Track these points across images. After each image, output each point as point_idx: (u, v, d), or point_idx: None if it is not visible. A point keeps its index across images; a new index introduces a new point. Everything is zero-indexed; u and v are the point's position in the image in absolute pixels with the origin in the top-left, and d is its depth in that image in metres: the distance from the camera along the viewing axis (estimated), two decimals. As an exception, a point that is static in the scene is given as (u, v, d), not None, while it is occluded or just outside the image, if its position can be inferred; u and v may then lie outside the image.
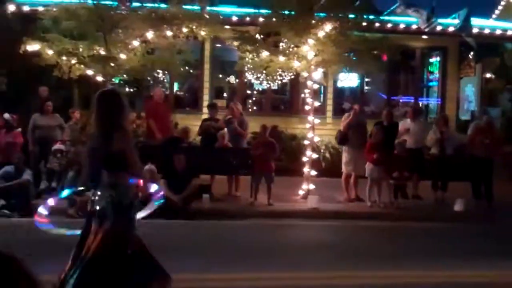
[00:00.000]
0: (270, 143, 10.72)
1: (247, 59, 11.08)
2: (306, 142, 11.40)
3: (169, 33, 10.74)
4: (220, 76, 16.67)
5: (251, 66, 11.20)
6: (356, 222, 10.03)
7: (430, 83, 17.33)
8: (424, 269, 7.04)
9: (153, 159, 10.11)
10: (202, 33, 10.90)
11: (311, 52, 10.75)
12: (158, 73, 16.31)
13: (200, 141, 11.83)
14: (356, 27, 10.74)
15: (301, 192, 11.17)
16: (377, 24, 14.85)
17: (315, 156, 11.50)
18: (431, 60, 17.29)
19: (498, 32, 15.65)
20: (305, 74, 11.21)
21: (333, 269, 6.95)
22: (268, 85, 15.60)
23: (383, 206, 10.75)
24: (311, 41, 10.51)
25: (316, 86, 11.35)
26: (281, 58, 10.79)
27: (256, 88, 16.73)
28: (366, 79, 18.91)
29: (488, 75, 18.57)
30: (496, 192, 11.62)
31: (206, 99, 15.23)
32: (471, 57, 17.15)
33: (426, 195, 11.74)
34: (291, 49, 10.85)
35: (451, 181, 11.94)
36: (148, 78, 14.25)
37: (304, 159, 11.33)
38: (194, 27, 10.71)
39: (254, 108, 16.44)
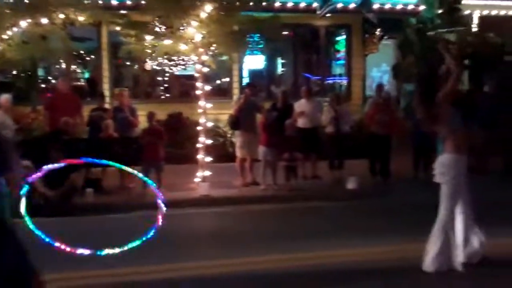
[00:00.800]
0: (158, 131, 10.35)
1: (132, 44, 10.61)
2: (199, 128, 11.05)
3: (44, 20, 10.17)
4: (125, 63, 16.18)
5: (137, 51, 10.69)
6: (247, 206, 9.80)
7: (338, 62, 17.29)
8: (313, 250, 6.88)
9: (32, 154, 9.61)
10: (81, 19, 10.37)
11: (199, 34, 10.39)
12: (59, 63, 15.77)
13: (88, 132, 11.34)
14: (240, 7, 10.37)
15: (197, 180, 10.85)
16: (277, 4, 14.75)
17: (208, 141, 11.13)
18: (338, 38, 17.23)
19: (399, 7, 15.65)
20: (194, 57, 10.84)
21: (218, 257, 6.73)
22: (171, 71, 15.18)
23: (277, 189, 10.57)
24: (194, 23, 10.14)
25: (206, 70, 10.97)
26: (166, 42, 10.38)
27: (166, 74, 16.29)
28: (282, 60, 18.85)
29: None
30: (395, 168, 11.67)
31: (106, 88, 14.69)
32: (378, 33, 17.22)
33: (326, 175, 11.66)
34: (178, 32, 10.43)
35: (349, 159, 11.93)
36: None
37: (199, 145, 10.99)
38: (70, 13, 10.16)
39: (166, 95, 16.02)
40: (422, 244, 6.06)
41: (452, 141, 5.92)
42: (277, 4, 14.65)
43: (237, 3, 10.24)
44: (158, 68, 15.17)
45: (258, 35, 15.60)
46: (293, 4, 14.91)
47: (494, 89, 12.83)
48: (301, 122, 11.56)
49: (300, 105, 11.75)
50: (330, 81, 16.68)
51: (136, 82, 15.75)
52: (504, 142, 12.37)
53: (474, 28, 16.94)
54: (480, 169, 12.49)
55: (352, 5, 15.08)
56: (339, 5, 15.11)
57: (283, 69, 18.69)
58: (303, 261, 6.47)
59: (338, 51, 17.13)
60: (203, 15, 10.03)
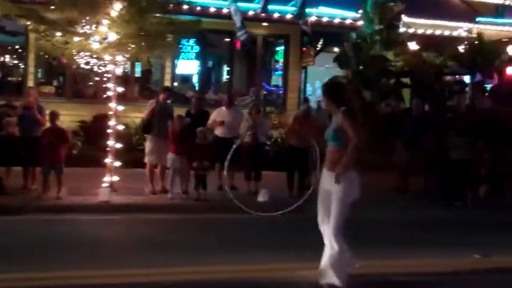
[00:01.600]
0: (60, 131, 9.92)
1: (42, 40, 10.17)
2: (109, 131, 10.61)
3: None
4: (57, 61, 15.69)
5: (46, 48, 10.25)
6: (147, 215, 9.38)
7: (277, 72, 17.06)
8: (189, 264, 6.48)
9: None
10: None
11: (113, 34, 10.01)
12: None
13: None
14: (153, 8, 9.99)
15: (105, 185, 10.42)
16: (212, 10, 14.46)
17: (118, 145, 10.70)
18: (278, 48, 17.02)
19: (337, 21, 15.49)
20: (108, 57, 10.44)
21: (80, 267, 6.26)
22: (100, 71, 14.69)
23: (185, 198, 10.23)
24: (105, 21, 9.77)
25: (119, 71, 10.60)
26: (76, 39, 9.96)
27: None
28: (219, 67, 18.56)
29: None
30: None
31: (31, 85, 14.18)
32: (319, 46, 17.10)
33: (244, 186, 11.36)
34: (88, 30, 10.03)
35: (270, 171, 11.67)
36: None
37: (108, 149, 10.56)
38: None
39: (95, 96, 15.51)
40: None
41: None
42: (212, 9, 14.38)
43: (149, 3, 9.84)
44: (86, 67, 14.69)
45: (194, 40, 15.35)
46: (228, 10, 14.61)
47: (418, 110, 12.71)
48: (219, 131, 11.25)
49: (220, 113, 11.42)
50: (265, 92, 16.37)
51: (64, 81, 15.24)
52: (426, 163, 12.26)
53: (414, 47, 16.84)
54: (400, 188, 12.42)
55: (289, 15, 14.84)
56: (276, 15, 14.91)
57: (221, 76, 18.41)
58: (170, 276, 6.09)
59: (278, 61, 16.91)
60: (113, 13, 9.67)
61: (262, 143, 11.33)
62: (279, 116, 15.36)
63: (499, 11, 26.38)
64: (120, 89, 10.64)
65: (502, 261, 7.11)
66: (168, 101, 10.99)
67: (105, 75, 13.97)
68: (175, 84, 15.92)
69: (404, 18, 24.41)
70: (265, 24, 15.26)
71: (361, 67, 16.09)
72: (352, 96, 5.82)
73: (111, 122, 10.49)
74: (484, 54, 17.37)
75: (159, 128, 10.60)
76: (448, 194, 11.49)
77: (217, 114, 11.40)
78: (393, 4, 15.70)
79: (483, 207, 11.08)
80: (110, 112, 10.53)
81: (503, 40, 18.48)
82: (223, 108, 11.54)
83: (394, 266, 6.74)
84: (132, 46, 10.06)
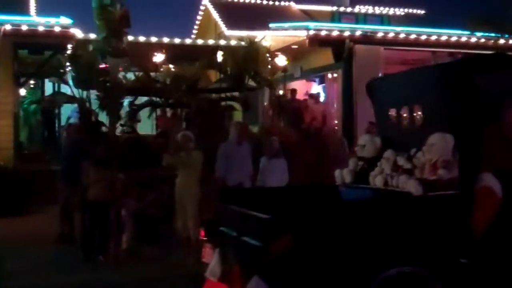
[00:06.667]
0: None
1: None
2: None
3: None
4: None
5: None
6: None
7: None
8: None
9: None
10: None
11: None
12: None
13: None
14: None
15: None
16: None
17: None
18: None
19: (42, 29, 12.70)
20: None
21: None
22: None
23: None
24: None
25: None
26: None
27: None
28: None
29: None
30: None
31: None
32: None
33: None
34: None
35: None
36: None
37: None
38: None
39: None
40: None
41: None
42: None
43: None
44: None
45: None
46: None
47: (71, 135, 10.08)
48: None
49: None
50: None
51: None
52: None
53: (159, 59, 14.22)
54: (62, 236, 9.79)
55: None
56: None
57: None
58: None
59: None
60: None
61: None
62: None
63: (335, 17, 24.44)
64: None
65: None
66: None
67: None
68: None
69: (226, 32, 22.20)
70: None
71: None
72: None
73: None
74: (255, 65, 14.86)
75: None
76: (88, 246, 8.75)
77: None
78: (113, 9, 12.98)
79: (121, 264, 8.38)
80: None
81: (292, 46, 16.10)
82: None
83: None
84: None
